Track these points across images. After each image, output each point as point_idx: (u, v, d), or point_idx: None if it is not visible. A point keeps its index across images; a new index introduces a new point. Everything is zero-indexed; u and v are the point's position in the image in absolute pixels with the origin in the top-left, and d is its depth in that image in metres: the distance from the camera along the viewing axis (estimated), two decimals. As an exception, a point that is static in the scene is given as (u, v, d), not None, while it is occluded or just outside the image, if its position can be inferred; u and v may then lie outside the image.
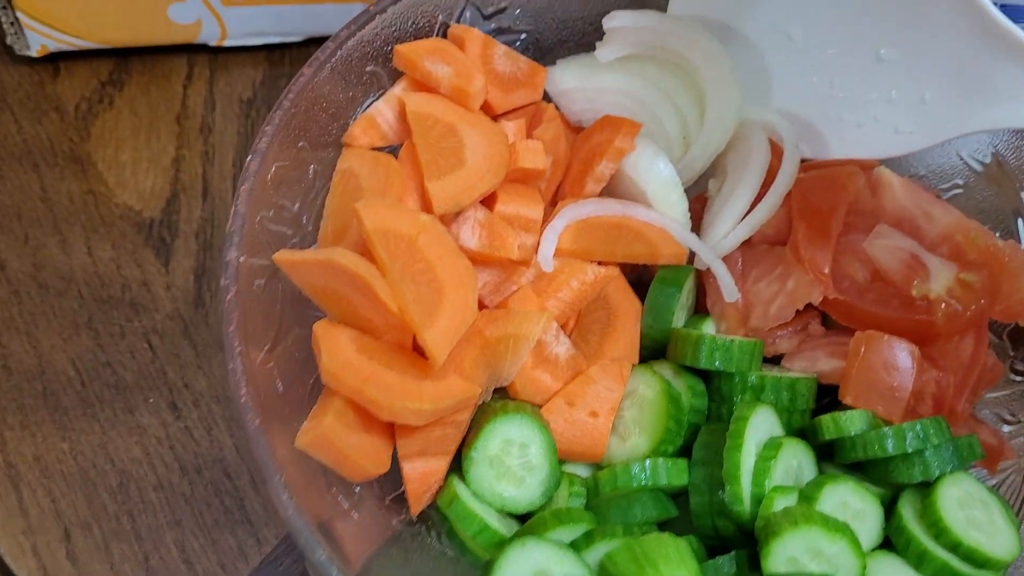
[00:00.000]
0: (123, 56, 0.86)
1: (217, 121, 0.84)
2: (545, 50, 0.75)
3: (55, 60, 0.85)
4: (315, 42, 0.88)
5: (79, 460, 0.69)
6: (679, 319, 0.67)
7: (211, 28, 0.84)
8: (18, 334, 0.73)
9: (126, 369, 0.72)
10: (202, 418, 0.71)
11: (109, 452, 0.69)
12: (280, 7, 0.84)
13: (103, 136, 0.82)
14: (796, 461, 0.59)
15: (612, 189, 0.71)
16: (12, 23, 0.81)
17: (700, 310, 0.71)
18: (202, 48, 0.86)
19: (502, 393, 0.62)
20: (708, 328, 0.68)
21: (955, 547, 0.55)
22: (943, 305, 0.63)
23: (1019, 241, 0.70)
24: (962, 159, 0.74)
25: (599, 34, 0.71)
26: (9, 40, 0.82)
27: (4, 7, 0.80)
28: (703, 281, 0.70)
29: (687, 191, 0.72)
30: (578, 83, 0.72)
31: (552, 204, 0.70)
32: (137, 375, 0.72)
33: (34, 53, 0.83)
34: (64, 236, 0.77)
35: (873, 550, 0.56)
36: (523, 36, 0.73)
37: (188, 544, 0.66)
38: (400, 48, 0.65)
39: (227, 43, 0.86)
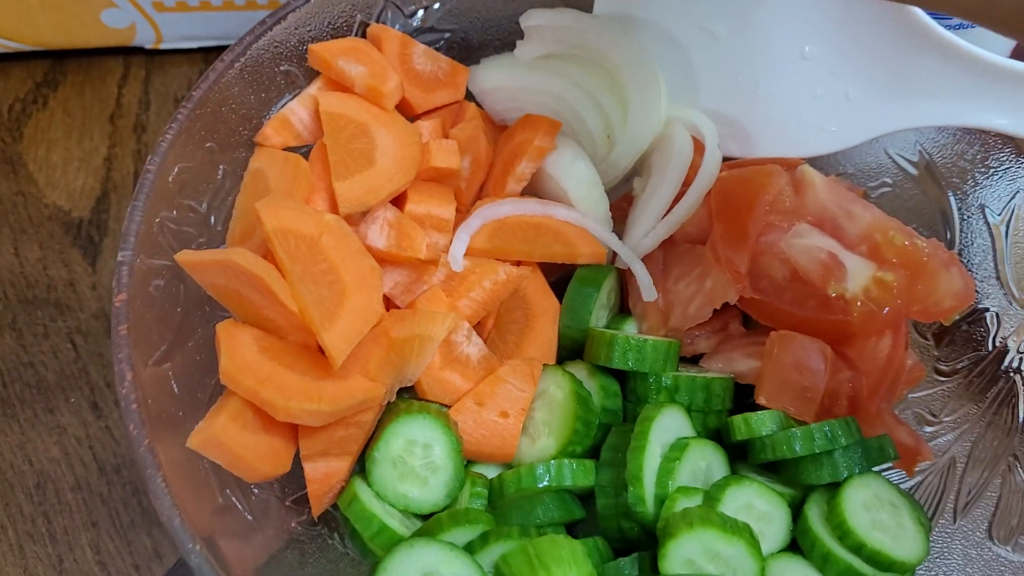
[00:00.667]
0: (59, 57, 0.86)
1: (151, 120, 0.84)
2: (471, 50, 0.74)
3: None
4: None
5: None
6: (599, 319, 0.67)
7: (146, 32, 0.84)
8: None
9: (48, 369, 0.72)
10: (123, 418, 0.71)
11: (28, 452, 0.69)
12: (213, 13, 0.83)
13: (35, 137, 0.82)
14: (705, 462, 0.58)
15: (534, 188, 0.70)
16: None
17: (624, 310, 0.70)
18: (139, 50, 0.86)
19: (412, 393, 0.61)
20: (630, 328, 0.67)
21: (859, 549, 0.54)
22: (859, 304, 0.62)
23: (944, 239, 0.69)
24: (890, 157, 0.73)
25: (523, 33, 0.70)
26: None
27: None
28: (626, 281, 0.69)
29: (613, 190, 0.72)
30: (501, 82, 0.71)
31: (475, 204, 0.69)
32: (59, 375, 0.72)
33: None
34: None
35: (779, 552, 0.56)
36: (447, 35, 0.73)
37: (103, 545, 0.66)
38: (314, 47, 0.65)
39: (163, 46, 0.86)
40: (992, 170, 0.68)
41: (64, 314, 0.74)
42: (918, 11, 0.64)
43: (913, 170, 0.72)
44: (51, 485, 0.68)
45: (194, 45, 0.87)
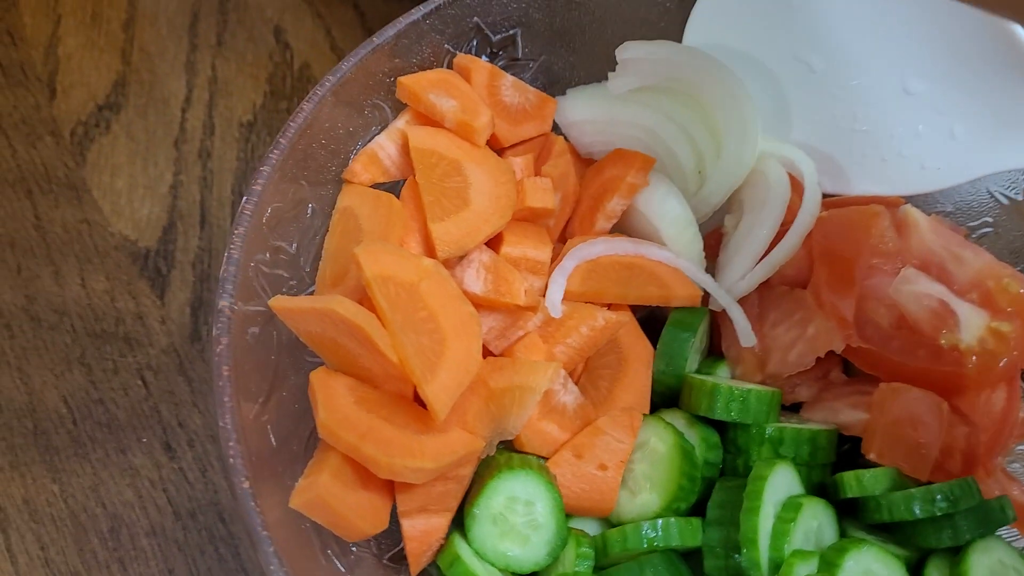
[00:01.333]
0: (121, 79, 0.83)
1: (216, 145, 0.82)
2: (555, 80, 0.72)
3: (50, 84, 0.83)
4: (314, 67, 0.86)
5: (69, 503, 0.67)
6: (692, 363, 0.64)
7: None
8: (9, 369, 0.71)
9: (119, 407, 0.70)
10: (197, 459, 0.69)
11: (100, 495, 0.67)
12: None
13: (99, 162, 0.80)
14: (816, 522, 0.56)
15: (623, 225, 0.68)
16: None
17: (714, 351, 0.68)
18: (201, 73, 0.84)
19: (507, 444, 0.59)
20: (723, 372, 0.65)
21: (987, 620, 0.51)
22: (974, 356, 0.59)
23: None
24: (991, 195, 0.70)
25: (611, 63, 0.68)
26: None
27: None
28: (718, 323, 0.67)
29: (701, 226, 0.69)
30: (589, 115, 0.69)
31: (562, 240, 0.67)
32: (130, 413, 0.70)
33: None
34: (58, 267, 0.75)
35: (898, 619, 0.53)
36: (532, 66, 0.71)
37: None
38: (403, 80, 0.63)
39: None
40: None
41: (134, 349, 0.72)
42: (1031, 46, 0.62)
43: (1017, 209, 0.70)
44: (125, 530, 0.66)
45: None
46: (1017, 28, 0.61)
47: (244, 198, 0.55)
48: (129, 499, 0.67)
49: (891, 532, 0.57)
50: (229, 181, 0.81)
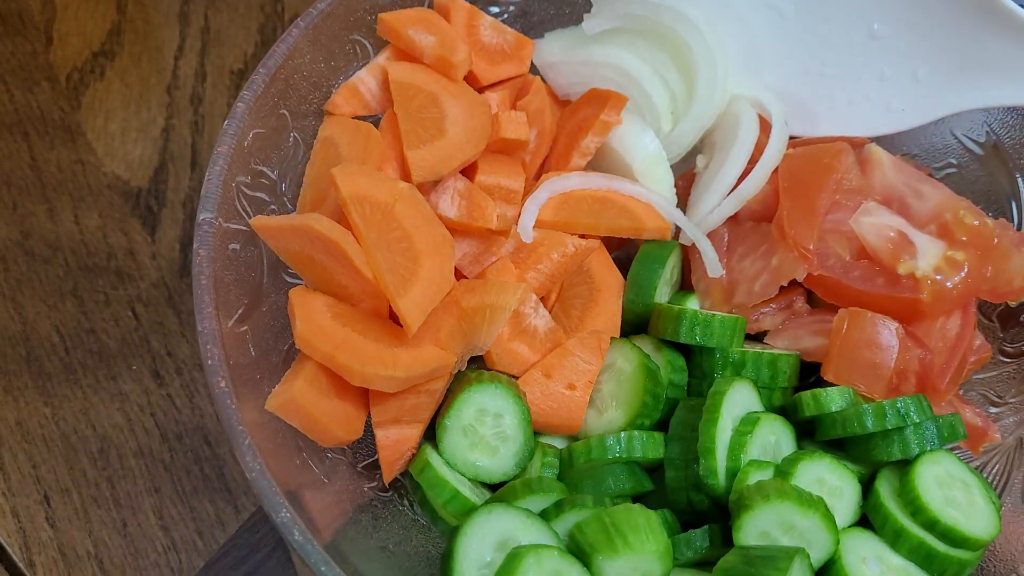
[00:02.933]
0: (116, 28, 0.86)
1: (208, 92, 0.84)
2: (534, 23, 0.74)
3: (47, 31, 0.85)
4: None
5: (61, 425, 0.69)
6: (662, 294, 0.67)
7: None
8: (3, 300, 0.73)
9: (110, 336, 0.72)
10: (184, 386, 0.71)
11: (91, 418, 0.69)
12: None
13: (93, 106, 0.82)
14: (774, 437, 0.58)
15: (598, 163, 0.70)
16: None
17: (685, 286, 0.70)
18: (194, 23, 0.87)
19: (479, 363, 0.62)
20: (692, 304, 0.67)
21: (932, 525, 0.54)
22: (929, 283, 0.62)
23: (1012, 220, 0.69)
24: (956, 138, 0.73)
25: (588, 6, 0.70)
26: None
27: None
28: (688, 257, 0.69)
29: (675, 166, 0.71)
30: (565, 56, 0.71)
31: (538, 177, 0.69)
32: (120, 343, 0.72)
33: None
34: (52, 204, 0.77)
35: (849, 527, 0.56)
36: (511, 8, 0.73)
37: (166, 511, 0.66)
38: (384, 16, 0.65)
39: None
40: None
41: (125, 283, 0.74)
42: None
43: (980, 151, 0.72)
44: (114, 451, 0.68)
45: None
46: (977, -30, 0.63)
47: (226, 121, 0.57)
48: (118, 422, 0.69)
49: (847, 450, 0.60)
50: (219, 126, 0.82)
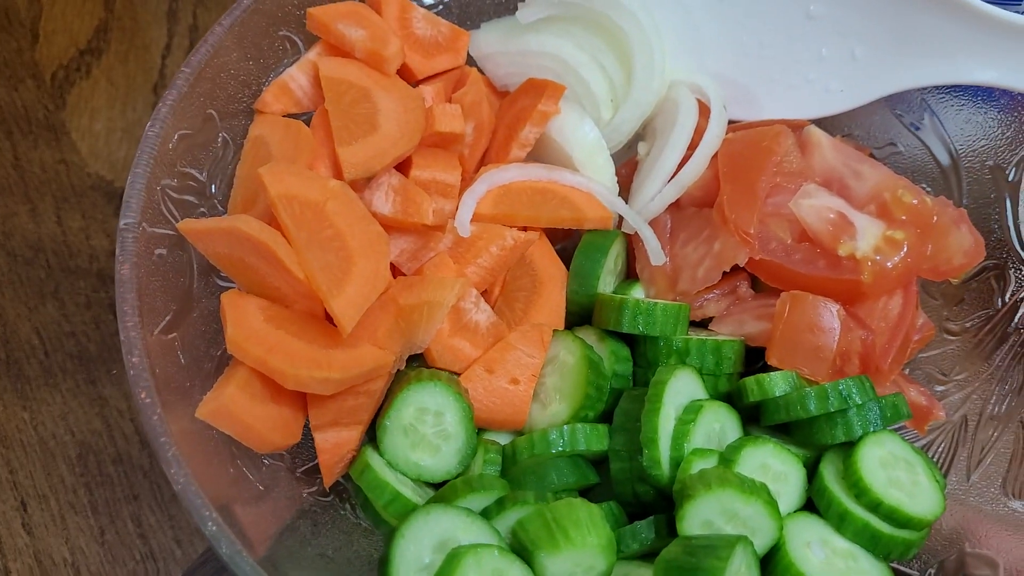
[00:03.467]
0: (103, 25, 0.84)
1: None
2: (470, 13, 0.73)
3: (33, 29, 0.83)
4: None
5: (39, 430, 0.68)
6: (607, 284, 0.66)
7: None
8: None
9: (90, 340, 0.71)
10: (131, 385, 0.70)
11: (70, 423, 0.68)
12: None
13: (78, 105, 0.81)
14: (719, 424, 0.58)
15: (538, 153, 0.69)
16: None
17: (631, 275, 0.69)
18: (182, 22, 0.85)
19: (420, 361, 0.61)
20: (637, 293, 0.67)
21: (876, 507, 0.54)
22: (870, 263, 0.61)
23: (952, 198, 0.69)
24: (897, 117, 0.72)
25: (523, -4, 0.69)
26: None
27: None
28: (632, 246, 0.68)
29: (617, 155, 0.71)
30: (502, 46, 0.70)
31: (478, 170, 0.68)
32: (101, 346, 0.71)
33: None
34: (34, 204, 0.76)
35: (795, 512, 0.55)
36: (446, 0, 0.72)
37: (144, 518, 0.65)
38: (313, 11, 0.63)
39: None
40: (1001, 128, 0.67)
41: (107, 285, 0.73)
42: (925, -34, 0.64)
43: (920, 130, 0.72)
44: (92, 456, 0.67)
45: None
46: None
47: (148, 124, 0.56)
48: (97, 427, 0.68)
49: (792, 434, 0.59)
50: None
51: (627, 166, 0.72)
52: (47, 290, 0.71)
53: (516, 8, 0.71)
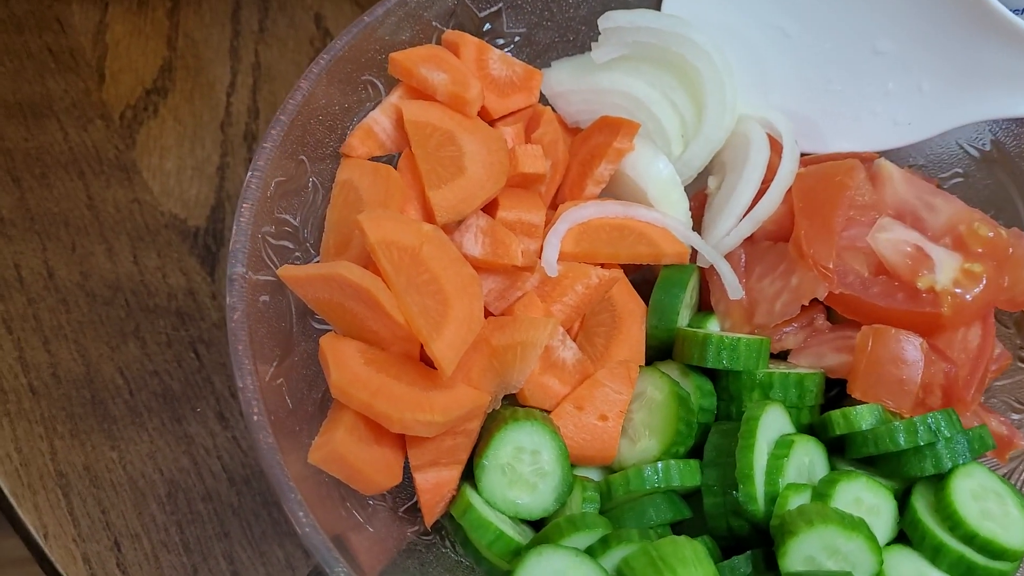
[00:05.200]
0: (167, 64, 0.86)
1: (261, 128, 0.84)
2: (539, 50, 0.74)
3: (99, 69, 0.85)
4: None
5: (128, 469, 0.69)
6: (683, 318, 0.67)
7: None
8: (66, 342, 0.73)
9: (173, 378, 0.72)
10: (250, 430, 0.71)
11: (158, 462, 0.69)
12: None
13: (148, 144, 0.82)
14: (808, 458, 0.59)
15: (612, 190, 0.70)
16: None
17: (704, 307, 0.70)
18: (244, 60, 0.87)
19: (511, 400, 0.62)
20: (713, 326, 0.68)
21: (970, 539, 0.55)
22: (949, 296, 0.63)
23: (1021, 225, 0.70)
24: (961, 147, 0.74)
25: (593, 34, 0.71)
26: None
27: None
28: (706, 279, 0.69)
29: (686, 189, 0.72)
30: (574, 84, 0.71)
31: (553, 207, 0.70)
32: (184, 384, 0.72)
33: None
34: (110, 244, 0.77)
35: (888, 544, 0.56)
36: (516, 39, 0.73)
37: (236, 556, 0.66)
38: (395, 56, 0.65)
39: None
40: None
41: (186, 323, 0.74)
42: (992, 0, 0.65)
43: (985, 159, 0.73)
44: (182, 495, 0.68)
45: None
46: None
47: (248, 173, 0.57)
48: (185, 465, 0.69)
49: (878, 466, 0.60)
50: None
51: (696, 199, 0.73)
52: (128, 330, 0.72)
53: (582, 44, 0.72)
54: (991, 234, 0.64)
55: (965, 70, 0.68)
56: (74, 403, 0.70)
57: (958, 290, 0.63)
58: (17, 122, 0.82)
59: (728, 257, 0.68)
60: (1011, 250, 0.64)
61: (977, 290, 0.63)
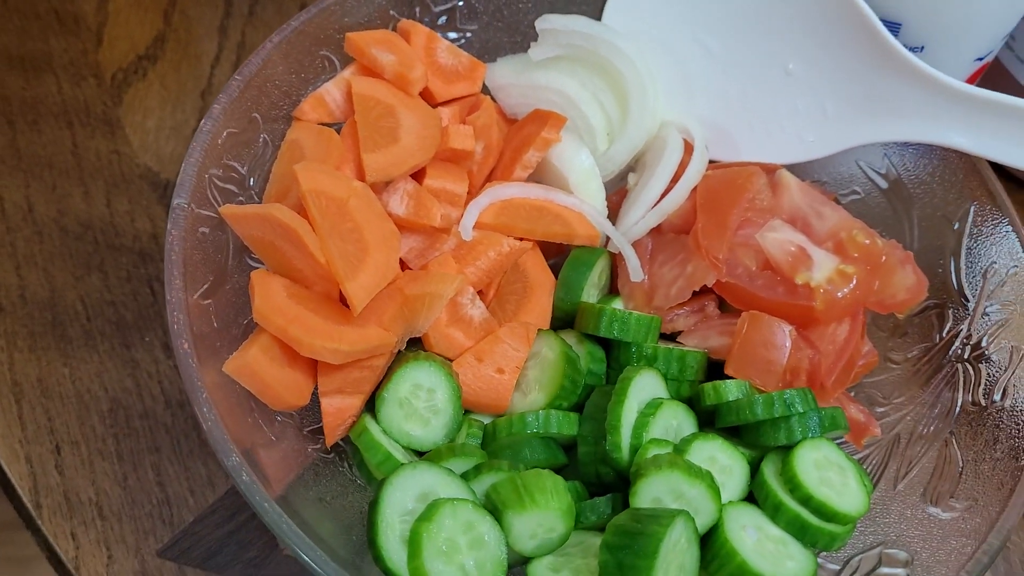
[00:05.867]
0: (160, 35, 0.95)
1: None
2: (488, 48, 0.82)
3: (98, 33, 0.93)
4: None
5: (76, 385, 0.76)
6: (590, 296, 0.74)
7: None
8: (36, 269, 0.80)
9: (127, 309, 0.79)
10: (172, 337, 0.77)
11: (104, 381, 0.76)
12: None
13: (133, 103, 0.90)
14: (676, 421, 0.65)
15: (538, 175, 0.78)
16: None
17: (613, 291, 0.77)
18: (231, 38, 0.95)
19: (419, 346, 0.69)
20: (617, 305, 0.75)
21: (806, 500, 0.61)
22: (822, 292, 0.69)
23: (904, 242, 0.77)
24: (861, 168, 0.81)
25: (536, 37, 0.78)
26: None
27: None
28: (616, 265, 0.77)
29: (610, 184, 0.80)
30: (514, 79, 0.79)
31: (482, 185, 0.77)
32: (137, 315, 0.79)
33: None
34: (88, 188, 0.84)
35: (736, 501, 0.63)
36: (468, 35, 0.81)
37: (164, 469, 0.73)
38: (351, 36, 0.73)
39: None
40: (949, 183, 0.75)
41: (146, 262, 0.81)
42: (886, 34, 0.72)
43: (881, 181, 0.80)
44: (122, 411, 0.75)
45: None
46: (875, 21, 0.72)
47: (202, 119, 0.65)
48: (128, 386, 0.76)
49: (742, 437, 0.67)
50: None
51: (618, 195, 0.80)
52: (93, 263, 0.80)
53: (528, 47, 0.80)
54: (867, 241, 0.71)
55: (864, 96, 0.75)
56: (35, 323, 0.77)
57: (831, 287, 0.70)
58: (17, 73, 0.90)
59: (636, 245, 0.75)
60: (884, 258, 0.71)
61: (847, 289, 0.70)
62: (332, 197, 0.64)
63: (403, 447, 0.64)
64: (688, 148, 0.78)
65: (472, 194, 0.74)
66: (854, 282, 0.70)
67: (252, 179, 0.69)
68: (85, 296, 0.79)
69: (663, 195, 0.75)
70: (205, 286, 0.62)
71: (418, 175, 0.71)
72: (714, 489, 0.59)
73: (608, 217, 0.77)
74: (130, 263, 0.80)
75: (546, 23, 0.76)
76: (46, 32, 0.93)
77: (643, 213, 0.75)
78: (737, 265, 0.72)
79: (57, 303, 0.78)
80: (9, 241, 0.81)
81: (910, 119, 0.74)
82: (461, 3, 0.80)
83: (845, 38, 0.75)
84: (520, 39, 0.82)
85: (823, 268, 0.71)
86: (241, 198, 0.68)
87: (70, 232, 0.81)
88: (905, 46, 0.73)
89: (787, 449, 0.65)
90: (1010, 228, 0.71)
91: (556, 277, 0.74)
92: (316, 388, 0.64)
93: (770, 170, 0.77)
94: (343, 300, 0.65)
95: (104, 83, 0.90)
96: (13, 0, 0.94)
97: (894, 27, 0.77)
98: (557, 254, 0.78)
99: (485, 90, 0.80)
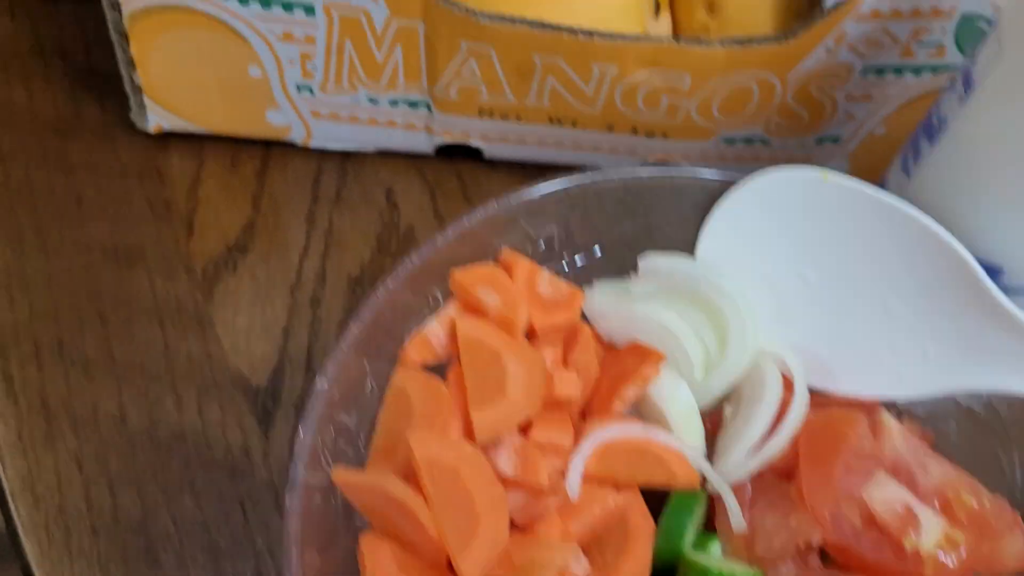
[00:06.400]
0: (250, 223, 0.94)
1: (326, 295, 0.90)
2: (585, 270, 0.83)
3: (189, 221, 0.93)
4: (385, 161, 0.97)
5: None
6: (689, 537, 0.73)
7: (299, 132, 0.95)
8: (129, 487, 0.79)
9: (220, 534, 0.77)
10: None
11: None
12: (357, 126, 0.93)
13: (224, 300, 0.89)
14: None
15: (635, 407, 0.78)
16: (139, 105, 0.92)
17: (708, 526, 0.77)
18: (319, 225, 0.95)
19: (523, 610, 0.68)
20: (715, 548, 0.74)
21: None
22: (932, 560, 0.68)
23: (1004, 486, 0.75)
24: (958, 404, 0.80)
25: (634, 262, 0.79)
26: (132, 115, 0.93)
27: (133, 91, 0.90)
28: (713, 503, 0.76)
29: (703, 411, 0.79)
30: (613, 308, 0.79)
31: (580, 415, 0.77)
32: (230, 541, 0.77)
33: (151, 129, 0.94)
34: (179, 395, 0.83)
35: None
36: (565, 260, 0.81)
37: None
38: (457, 275, 0.73)
39: (311, 144, 0.96)
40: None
41: (236, 479, 0.80)
42: (996, 292, 0.72)
43: (979, 418, 0.79)
44: None
45: (338, 147, 0.96)
46: (977, 270, 0.72)
47: (318, 375, 0.65)
48: None
49: None
50: (333, 331, 0.89)
51: (712, 420, 0.80)
52: (185, 480, 0.79)
53: (623, 271, 0.80)
54: (975, 505, 0.70)
55: (968, 345, 0.75)
56: (128, 548, 0.77)
57: (940, 554, 0.69)
58: (111, 266, 0.90)
59: (735, 488, 0.74)
60: (992, 523, 0.70)
61: (957, 557, 0.68)
62: (445, 466, 0.64)
63: None
64: (787, 384, 0.77)
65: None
66: (963, 552, 0.69)
67: (362, 433, 0.69)
68: (177, 517, 0.78)
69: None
70: (314, 550, 0.62)
71: (522, 426, 0.71)
72: None
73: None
74: (222, 479, 0.80)
75: (650, 263, 0.76)
76: (139, 221, 0.94)
77: (743, 457, 0.75)
78: (842, 522, 0.71)
79: (149, 526, 0.78)
80: (104, 457, 0.81)
81: (1015, 372, 0.73)
82: (558, 229, 0.80)
83: (947, 282, 0.75)
84: (618, 265, 0.82)
85: (931, 532, 0.70)
86: (349, 453, 0.68)
87: (162, 445, 0.81)
88: (1006, 289, 0.73)
89: None
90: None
91: (646, 503, 0.74)
92: (423, 661, 0.63)
93: (870, 409, 0.77)
94: (451, 565, 0.64)
95: (195, 276, 0.90)
96: (107, 186, 0.95)
97: (994, 272, 0.76)
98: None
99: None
